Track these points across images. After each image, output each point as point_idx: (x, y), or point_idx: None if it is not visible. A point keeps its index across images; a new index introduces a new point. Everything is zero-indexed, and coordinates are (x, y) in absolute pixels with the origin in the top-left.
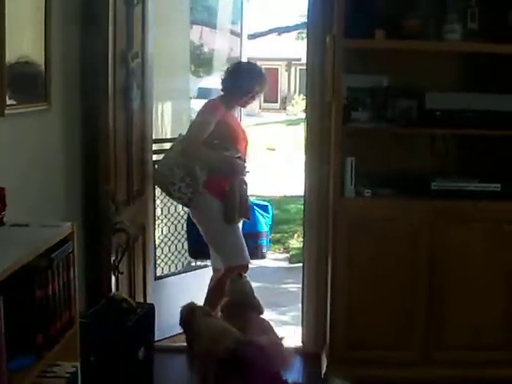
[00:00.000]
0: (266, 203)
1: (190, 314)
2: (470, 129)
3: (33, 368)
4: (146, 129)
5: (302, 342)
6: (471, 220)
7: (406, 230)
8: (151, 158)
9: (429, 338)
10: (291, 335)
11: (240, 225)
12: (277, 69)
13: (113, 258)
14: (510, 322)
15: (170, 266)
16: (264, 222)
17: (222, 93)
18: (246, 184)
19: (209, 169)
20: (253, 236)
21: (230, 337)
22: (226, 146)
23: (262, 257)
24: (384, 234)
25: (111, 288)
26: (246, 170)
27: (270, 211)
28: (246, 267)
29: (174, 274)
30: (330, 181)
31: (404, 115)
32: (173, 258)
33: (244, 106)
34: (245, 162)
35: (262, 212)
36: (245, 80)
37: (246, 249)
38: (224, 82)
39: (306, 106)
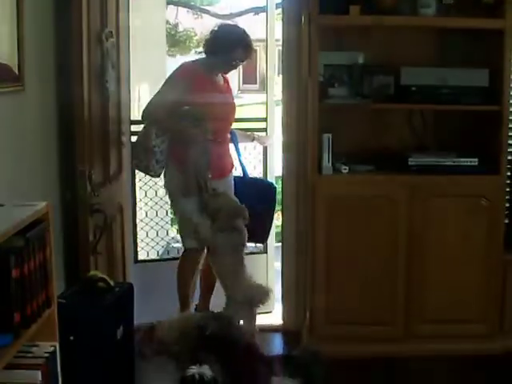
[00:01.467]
0: (269, 182)
1: None
2: (446, 104)
3: (10, 347)
4: (122, 109)
5: (283, 319)
6: (449, 194)
7: (384, 206)
8: (129, 139)
9: (410, 313)
10: (272, 313)
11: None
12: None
13: (91, 239)
14: (489, 296)
15: (150, 251)
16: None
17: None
18: (207, 154)
19: (168, 136)
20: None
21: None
22: (194, 114)
23: (260, 240)
24: (362, 210)
25: (89, 269)
26: (206, 137)
27: (272, 191)
28: (198, 251)
29: (154, 261)
30: (307, 158)
31: (380, 91)
32: (153, 243)
33: (225, 73)
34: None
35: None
36: (225, 41)
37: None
38: (205, 43)
39: (283, 85)
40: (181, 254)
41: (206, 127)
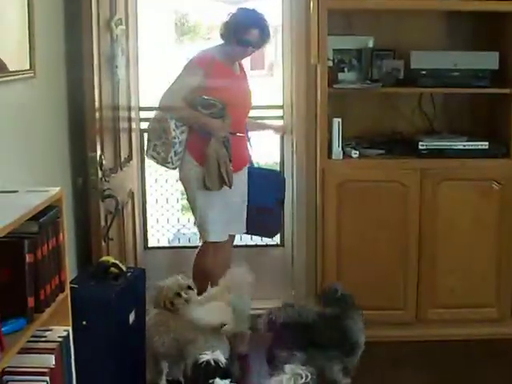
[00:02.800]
0: (274, 171)
1: None
2: (456, 87)
3: (24, 331)
4: (132, 95)
5: None
6: (459, 178)
7: (394, 190)
8: (138, 125)
9: (421, 297)
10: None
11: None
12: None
13: (102, 225)
14: (501, 280)
15: (161, 238)
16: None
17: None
18: (226, 147)
19: (188, 128)
20: (259, 210)
21: None
22: (214, 103)
23: (269, 234)
24: (373, 194)
25: (101, 254)
26: (227, 131)
27: (279, 180)
28: (218, 245)
29: (165, 248)
30: (317, 143)
31: (390, 75)
32: (164, 230)
33: (241, 59)
34: (228, 122)
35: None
36: (241, 24)
37: (220, 225)
38: (222, 27)
39: (292, 70)
40: (198, 248)
41: (228, 119)
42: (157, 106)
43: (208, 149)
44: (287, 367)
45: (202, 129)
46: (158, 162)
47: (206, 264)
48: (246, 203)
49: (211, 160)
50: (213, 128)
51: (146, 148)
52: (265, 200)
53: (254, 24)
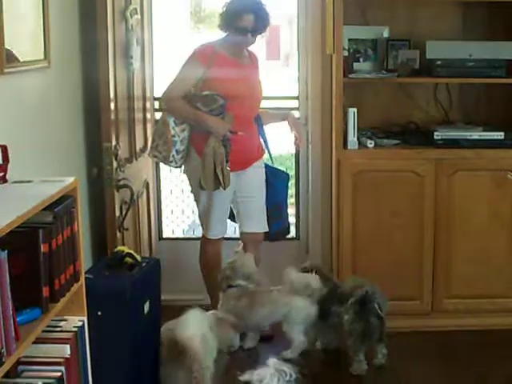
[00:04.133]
0: (281, 170)
1: None
2: (472, 77)
3: (39, 321)
4: (146, 86)
5: None
6: (475, 168)
7: (409, 181)
8: (153, 115)
9: (437, 288)
10: None
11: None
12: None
13: (117, 215)
14: None
15: (176, 229)
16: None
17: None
18: (225, 146)
19: (188, 124)
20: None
21: None
22: (215, 99)
23: (271, 238)
24: (388, 184)
25: (116, 244)
26: (228, 129)
27: (285, 180)
28: (217, 240)
29: (179, 239)
30: (332, 133)
31: (405, 65)
32: (179, 221)
33: (244, 46)
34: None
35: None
36: (234, 10)
37: (218, 222)
38: (219, 18)
39: (307, 60)
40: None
41: (230, 116)
42: (164, 96)
43: (206, 147)
44: (271, 362)
45: (201, 127)
46: (160, 161)
47: (203, 257)
48: (265, 199)
49: (207, 159)
50: (211, 126)
51: (149, 147)
52: (280, 200)
53: (247, 10)
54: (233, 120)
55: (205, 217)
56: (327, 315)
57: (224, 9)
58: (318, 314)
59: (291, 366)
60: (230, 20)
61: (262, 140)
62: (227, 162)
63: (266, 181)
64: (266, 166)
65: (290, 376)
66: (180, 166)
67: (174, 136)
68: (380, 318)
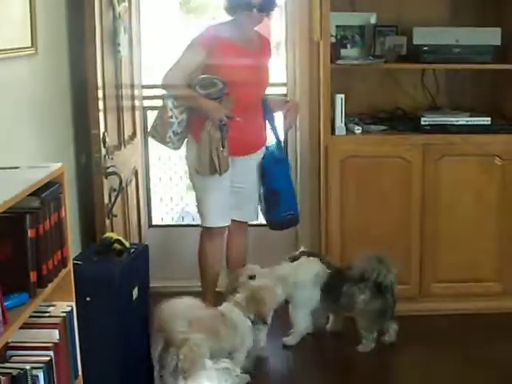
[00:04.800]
0: (284, 158)
1: None
2: (459, 63)
3: (27, 305)
4: (134, 73)
5: None
6: (462, 154)
7: (397, 166)
8: (141, 103)
9: (425, 272)
10: None
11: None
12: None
13: (106, 202)
14: (503, 254)
15: (165, 216)
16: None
17: None
18: (222, 131)
19: (187, 108)
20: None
21: None
22: (214, 83)
23: (270, 225)
24: (375, 170)
25: (105, 231)
26: (224, 113)
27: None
28: (214, 231)
29: (169, 226)
30: (320, 119)
31: (393, 51)
32: (167, 208)
33: (250, 26)
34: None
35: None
36: None
37: (216, 210)
38: (224, 3)
39: (295, 47)
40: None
41: (228, 101)
42: (159, 84)
43: (202, 131)
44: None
45: (199, 110)
46: (158, 141)
47: (201, 249)
48: (257, 190)
49: (203, 143)
50: (208, 110)
51: (149, 127)
52: (289, 186)
53: None
54: (232, 105)
55: (201, 205)
56: (338, 296)
57: None
58: (328, 296)
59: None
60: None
61: (270, 127)
62: (223, 147)
63: (267, 168)
64: (271, 151)
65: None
66: (178, 148)
67: (171, 117)
68: (393, 296)
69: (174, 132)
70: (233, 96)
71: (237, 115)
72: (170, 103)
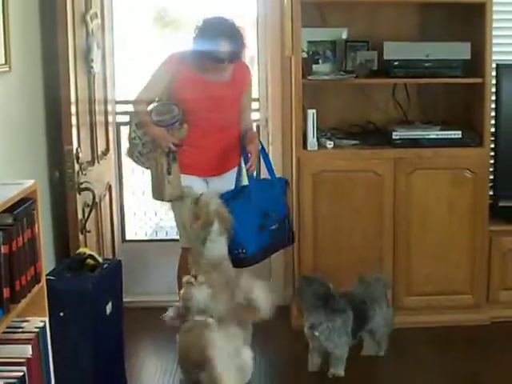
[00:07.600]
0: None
1: None
2: (429, 77)
3: (0, 321)
4: (108, 89)
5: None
6: (433, 167)
7: (369, 180)
8: (114, 119)
9: (397, 285)
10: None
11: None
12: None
13: (79, 217)
14: (475, 267)
15: (138, 231)
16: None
17: None
18: (169, 157)
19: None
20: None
21: None
22: (171, 109)
23: (292, 242)
24: (348, 184)
25: (79, 247)
26: (171, 141)
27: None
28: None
29: (142, 241)
30: (292, 134)
31: (364, 66)
32: (141, 223)
33: (212, 71)
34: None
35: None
36: (210, 30)
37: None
38: (194, 31)
39: (267, 63)
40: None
41: (182, 128)
42: (133, 99)
43: (151, 156)
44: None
45: (150, 137)
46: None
47: (179, 267)
48: None
49: (152, 169)
50: (154, 137)
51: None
52: (282, 210)
53: (219, 31)
54: (185, 132)
55: (177, 225)
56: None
57: (199, 30)
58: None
59: None
60: (202, 44)
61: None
62: (169, 174)
63: (224, 201)
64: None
65: None
66: (149, 168)
67: (134, 138)
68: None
69: (139, 152)
70: (193, 122)
71: (199, 141)
72: (133, 125)
